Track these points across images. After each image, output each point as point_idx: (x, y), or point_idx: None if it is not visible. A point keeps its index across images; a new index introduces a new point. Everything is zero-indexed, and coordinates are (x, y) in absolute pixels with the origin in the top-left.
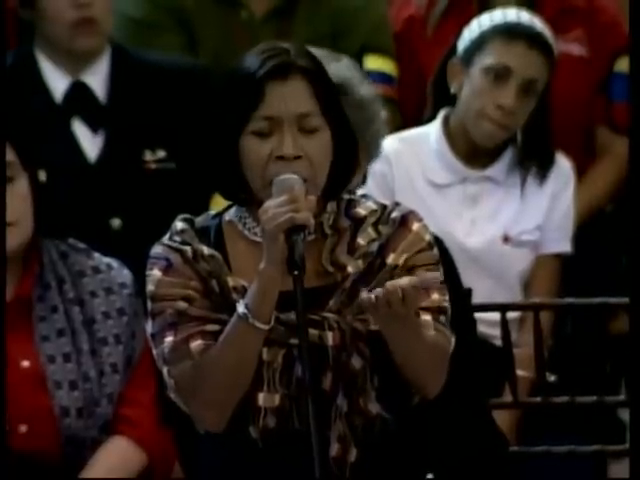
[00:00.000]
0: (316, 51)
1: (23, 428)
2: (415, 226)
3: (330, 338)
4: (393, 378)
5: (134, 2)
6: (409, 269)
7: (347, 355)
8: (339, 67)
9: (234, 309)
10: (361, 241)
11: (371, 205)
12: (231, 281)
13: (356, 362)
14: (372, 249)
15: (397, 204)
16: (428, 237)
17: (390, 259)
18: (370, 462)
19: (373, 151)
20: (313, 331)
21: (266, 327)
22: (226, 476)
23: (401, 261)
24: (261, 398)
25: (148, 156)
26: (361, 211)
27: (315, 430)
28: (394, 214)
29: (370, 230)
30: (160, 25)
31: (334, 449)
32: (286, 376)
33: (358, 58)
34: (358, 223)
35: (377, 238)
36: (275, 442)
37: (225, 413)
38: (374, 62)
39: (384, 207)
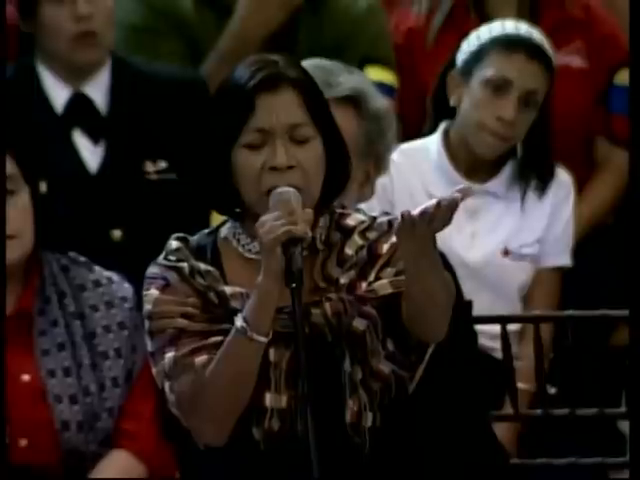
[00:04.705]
0: (328, 63)
1: (23, 442)
2: None
3: (329, 308)
4: (403, 338)
5: (134, 9)
6: None
7: (349, 317)
8: (353, 79)
9: (235, 316)
10: (349, 251)
11: (361, 217)
12: (228, 290)
13: (359, 324)
14: (362, 255)
15: (387, 213)
16: None
17: (384, 249)
18: (388, 425)
19: (383, 164)
20: (315, 311)
21: (264, 340)
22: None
23: (394, 238)
24: (268, 399)
25: (149, 167)
26: (350, 222)
27: (313, 434)
28: (381, 219)
29: (357, 238)
30: (160, 32)
31: (349, 415)
32: (292, 378)
33: (359, 70)
34: (347, 234)
35: (364, 244)
36: (277, 445)
37: (226, 426)
38: (375, 73)
39: (374, 218)
